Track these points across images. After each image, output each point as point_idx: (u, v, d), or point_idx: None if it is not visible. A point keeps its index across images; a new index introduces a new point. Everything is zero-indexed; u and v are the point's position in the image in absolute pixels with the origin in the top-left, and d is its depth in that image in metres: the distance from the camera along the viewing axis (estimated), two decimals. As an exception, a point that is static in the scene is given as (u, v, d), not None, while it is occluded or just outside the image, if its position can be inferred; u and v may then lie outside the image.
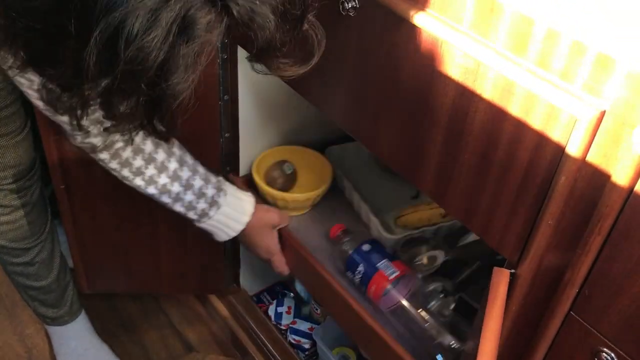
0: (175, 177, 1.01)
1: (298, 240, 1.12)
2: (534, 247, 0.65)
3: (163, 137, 0.58)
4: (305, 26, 0.55)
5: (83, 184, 1.22)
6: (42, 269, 1.26)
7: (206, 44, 0.47)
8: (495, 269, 0.70)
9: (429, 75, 0.68)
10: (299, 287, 1.49)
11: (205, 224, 1.08)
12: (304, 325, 1.41)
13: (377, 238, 1.08)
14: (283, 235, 1.13)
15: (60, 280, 1.31)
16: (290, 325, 1.42)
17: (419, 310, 0.95)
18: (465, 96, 0.65)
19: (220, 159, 1.20)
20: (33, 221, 1.19)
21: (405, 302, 0.96)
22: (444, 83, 0.67)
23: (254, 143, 1.22)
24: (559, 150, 0.59)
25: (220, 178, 1.08)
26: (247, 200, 1.10)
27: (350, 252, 1.04)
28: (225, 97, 1.11)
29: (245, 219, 1.10)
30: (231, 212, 1.08)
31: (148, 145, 0.98)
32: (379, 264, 1.00)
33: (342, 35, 0.78)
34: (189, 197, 1.03)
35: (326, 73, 0.83)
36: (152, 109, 0.50)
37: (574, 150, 0.57)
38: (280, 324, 1.43)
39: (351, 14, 0.74)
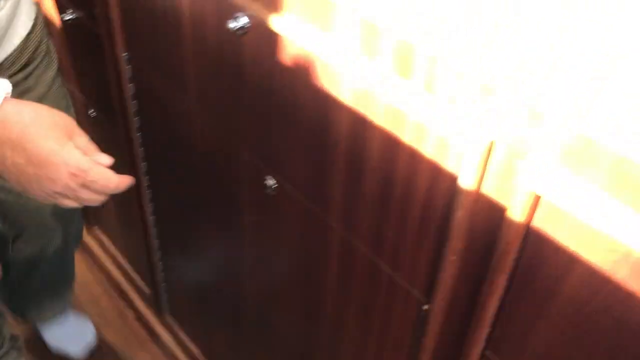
0: None
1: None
2: (442, 283, 0.60)
3: None
4: None
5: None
6: None
7: None
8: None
9: (323, 101, 0.63)
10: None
11: None
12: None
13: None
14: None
15: None
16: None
17: None
18: (360, 123, 0.60)
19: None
20: None
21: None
22: (338, 109, 0.62)
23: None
24: (453, 182, 0.53)
25: None
26: None
27: None
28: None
29: None
30: None
31: None
32: None
33: (232, 59, 0.72)
34: None
35: (231, 111, 0.77)
36: None
37: (466, 182, 0.52)
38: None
39: (239, 33, 0.68)
